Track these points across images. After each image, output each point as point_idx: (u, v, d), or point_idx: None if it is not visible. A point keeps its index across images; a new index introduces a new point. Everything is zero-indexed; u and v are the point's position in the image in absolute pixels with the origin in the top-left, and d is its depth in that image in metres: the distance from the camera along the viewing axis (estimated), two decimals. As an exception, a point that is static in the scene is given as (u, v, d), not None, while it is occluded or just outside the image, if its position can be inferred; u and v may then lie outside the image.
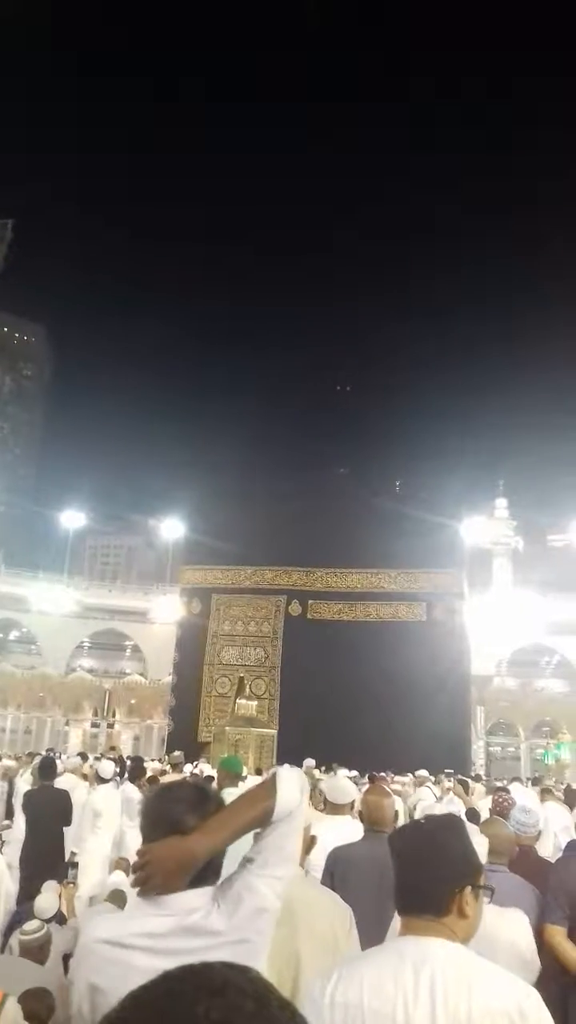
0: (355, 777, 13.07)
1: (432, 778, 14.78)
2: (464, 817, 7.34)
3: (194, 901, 1.75)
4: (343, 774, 14.53)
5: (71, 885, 4.83)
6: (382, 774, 14.44)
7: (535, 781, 16.83)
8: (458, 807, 10.08)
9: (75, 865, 4.95)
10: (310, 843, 2.93)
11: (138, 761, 14.64)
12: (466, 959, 1.71)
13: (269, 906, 1.79)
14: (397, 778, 14.87)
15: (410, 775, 15.50)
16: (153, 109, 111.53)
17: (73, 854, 8.21)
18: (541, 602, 45.07)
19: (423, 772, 15.00)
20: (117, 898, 5.31)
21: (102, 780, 9.35)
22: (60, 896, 5.06)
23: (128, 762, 14.14)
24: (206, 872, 1.81)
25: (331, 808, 5.09)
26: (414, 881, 1.82)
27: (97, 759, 14.12)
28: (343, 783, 4.93)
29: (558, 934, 3.75)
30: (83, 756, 16.37)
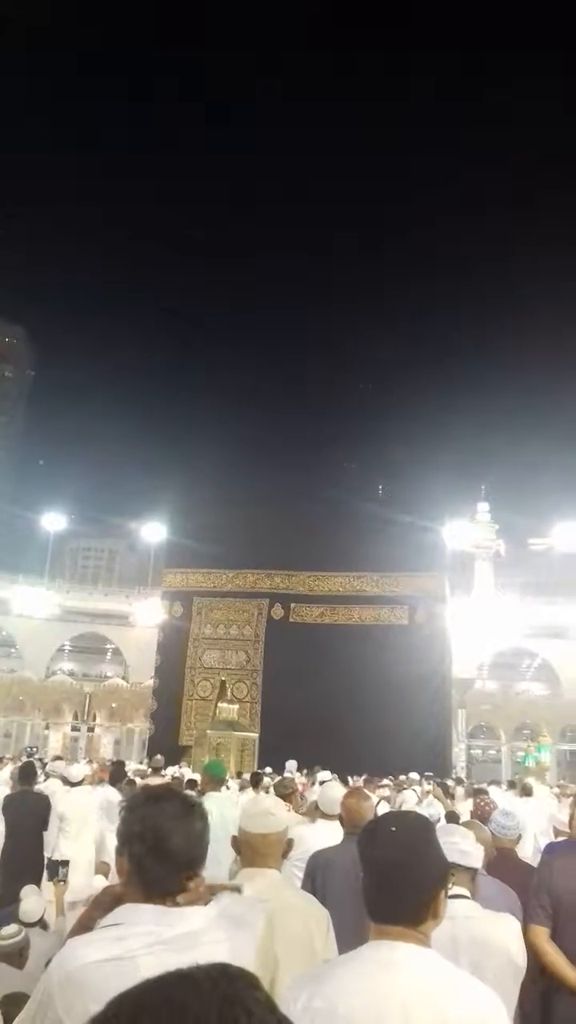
0: (333, 779, 13.08)
1: (418, 781, 14.83)
2: (444, 820, 7.37)
3: (195, 910, 1.76)
4: (324, 777, 14.56)
5: (61, 883, 4.81)
6: (357, 778, 14.49)
7: (512, 784, 16.91)
8: (438, 810, 10.12)
9: (65, 864, 4.91)
10: (288, 846, 2.94)
11: (119, 765, 14.58)
12: (438, 967, 1.71)
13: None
14: (384, 781, 14.89)
15: (388, 779, 15.54)
16: (137, 109, 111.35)
17: (55, 861, 8.16)
18: (522, 606, 45.34)
19: (414, 775, 15.05)
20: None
21: (73, 784, 9.32)
22: (51, 896, 5.04)
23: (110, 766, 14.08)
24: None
25: (323, 815, 5.13)
26: (392, 893, 1.79)
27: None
28: (335, 794, 4.96)
29: (541, 935, 3.74)
30: (58, 759, 16.29)
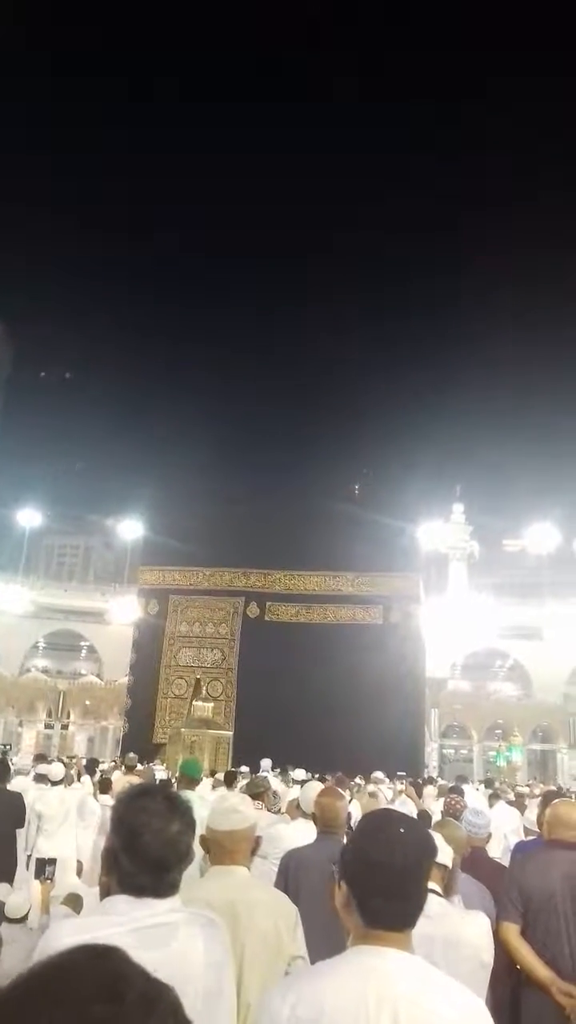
0: (312, 779, 13.13)
1: (386, 781, 14.91)
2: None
3: (170, 905, 1.81)
4: (298, 775, 14.63)
5: (48, 882, 4.82)
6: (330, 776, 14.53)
7: (487, 783, 17.06)
8: (410, 809, 10.21)
9: (52, 862, 4.91)
10: (256, 843, 2.97)
11: (92, 763, 14.58)
12: (426, 974, 1.69)
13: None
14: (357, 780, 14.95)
15: (359, 777, 15.62)
16: (123, 109, 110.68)
17: (42, 860, 8.14)
18: (495, 606, 45.68)
19: (378, 774, 15.13)
20: (73, 901, 5.28)
21: (53, 782, 9.29)
22: (36, 894, 5.04)
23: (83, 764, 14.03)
24: (168, 885, 1.85)
25: (303, 814, 5.19)
26: (403, 899, 1.72)
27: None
28: (315, 793, 5.02)
29: (512, 932, 3.79)
30: (41, 757, 16.21)
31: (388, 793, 12.70)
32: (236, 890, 2.75)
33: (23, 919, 5.05)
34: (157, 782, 11.13)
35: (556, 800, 4.65)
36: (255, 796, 6.81)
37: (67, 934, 1.73)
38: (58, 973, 0.76)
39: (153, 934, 1.75)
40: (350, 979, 1.65)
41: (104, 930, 1.72)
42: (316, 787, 5.68)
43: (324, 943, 2.69)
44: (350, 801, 10.08)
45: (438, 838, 3.30)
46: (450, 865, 3.33)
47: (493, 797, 13.34)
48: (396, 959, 1.67)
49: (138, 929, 1.74)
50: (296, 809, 5.76)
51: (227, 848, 2.84)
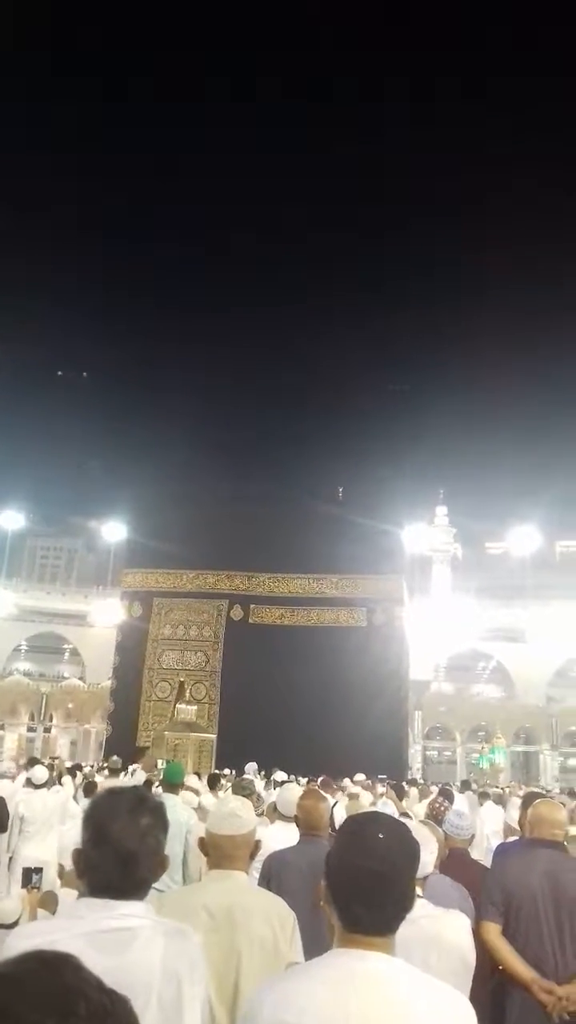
0: (291, 781, 13.13)
1: (364, 782, 14.93)
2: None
3: (124, 910, 1.79)
4: (280, 778, 14.61)
5: (35, 891, 4.79)
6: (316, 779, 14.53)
7: (464, 785, 17.13)
8: (392, 811, 10.22)
9: (39, 871, 4.89)
10: (255, 848, 2.97)
11: (75, 767, 14.53)
12: (408, 977, 1.67)
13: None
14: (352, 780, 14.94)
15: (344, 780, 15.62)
16: (107, 108, 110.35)
17: (28, 869, 8.09)
18: (478, 609, 45.90)
19: (359, 776, 15.16)
20: (48, 901, 5.25)
21: (36, 785, 9.24)
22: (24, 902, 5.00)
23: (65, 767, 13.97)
24: (135, 884, 1.84)
25: (281, 817, 5.17)
26: (379, 906, 1.70)
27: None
28: (293, 795, 5.01)
29: (493, 931, 3.78)
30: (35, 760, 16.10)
31: (369, 797, 12.70)
32: (235, 894, 2.74)
33: (14, 924, 5.01)
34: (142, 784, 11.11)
35: (537, 800, 4.68)
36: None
37: (25, 936, 1.72)
38: (7, 984, 0.73)
39: (109, 939, 1.73)
40: (329, 981, 1.64)
41: (60, 934, 1.71)
42: (294, 789, 5.66)
43: (308, 947, 2.70)
44: (335, 804, 10.10)
45: (427, 845, 3.31)
46: (430, 869, 3.34)
47: (482, 796, 13.41)
48: (377, 962, 1.65)
49: (94, 933, 1.72)
50: (274, 812, 5.74)
51: (227, 852, 2.82)
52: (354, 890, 1.71)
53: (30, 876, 5.09)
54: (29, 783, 9.38)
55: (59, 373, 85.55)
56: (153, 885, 1.92)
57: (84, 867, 1.84)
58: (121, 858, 1.80)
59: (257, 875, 4.15)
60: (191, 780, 10.11)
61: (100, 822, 1.83)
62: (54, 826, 8.64)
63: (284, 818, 5.11)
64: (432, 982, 1.70)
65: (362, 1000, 1.60)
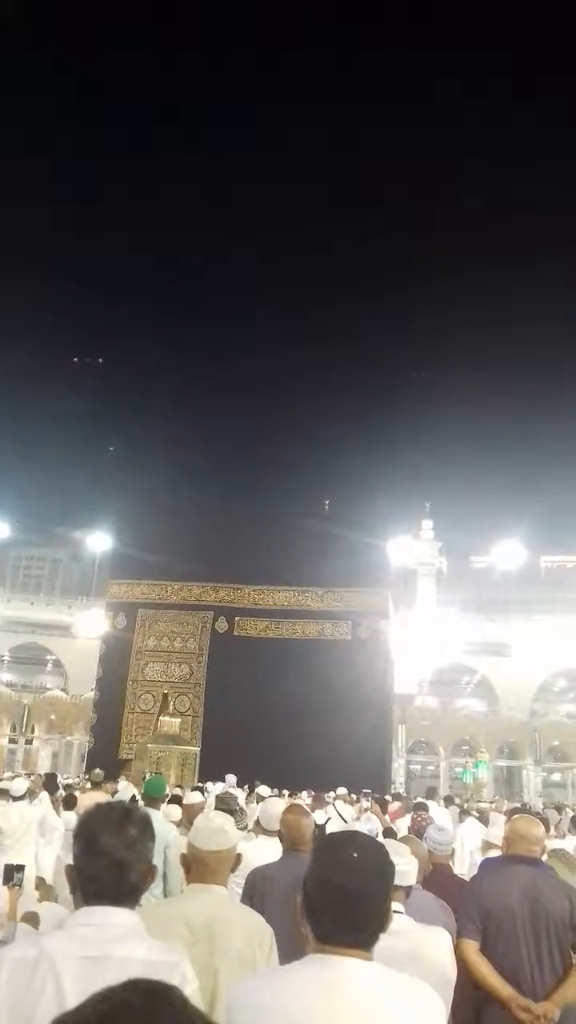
0: (274, 795, 13.11)
1: (345, 795, 14.94)
2: (381, 836, 7.48)
3: (120, 918, 1.84)
4: (264, 792, 14.57)
5: (16, 888, 4.76)
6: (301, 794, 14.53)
7: (447, 800, 17.12)
8: (375, 826, 10.21)
9: (20, 868, 4.88)
10: (236, 862, 2.99)
11: (51, 777, 14.41)
12: (383, 980, 1.70)
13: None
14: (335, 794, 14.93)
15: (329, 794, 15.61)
16: (103, 109, 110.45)
17: (10, 865, 8.04)
18: (463, 622, 46.02)
19: (341, 790, 15.17)
20: (31, 919, 5.23)
21: (13, 798, 9.19)
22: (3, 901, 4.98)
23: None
24: (128, 890, 1.89)
25: (263, 831, 5.16)
26: (352, 924, 1.72)
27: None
28: (275, 810, 5.00)
29: (471, 948, 3.79)
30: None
31: (349, 810, 12.70)
32: (214, 908, 2.77)
33: None
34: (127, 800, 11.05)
35: (515, 816, 4.70)
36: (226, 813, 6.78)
37: (20, 943, 1.89)
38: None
39: (93, 947, 1.78)
40: (307, 989, 1.66)
41: (50, 943, 1.78)
42: (277, 803, 5.66)
43: (289, 961, 2.70)
44: (327, 821, 10.10)
45: (405, 859, 3.32)
46: (413, 884, 3.35)
47: (463, 813, 13.41)
48: (352, 967, 1.68)
49: (85, 942, 1.78)
50: (256, 826, 5.72)
51: (210, 867, 2.86)
52: (327, 907, 1.74)
53: (12, 874, 5.06)
54: (5, 794, 9.35)
55: (46, 380, 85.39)
56: None
57: (78, 878, 1.91)
58: (113, 865, 1.87)
59: (238, 889, 4.16)
60: (192, 795, 10.10)
61: (91, 834, 1.92)
62: (31, 839, 8.60)
63: (267, 832, 5.10)
64: (400, 979, 1.74)
65: (338, 1007, 1.62)
